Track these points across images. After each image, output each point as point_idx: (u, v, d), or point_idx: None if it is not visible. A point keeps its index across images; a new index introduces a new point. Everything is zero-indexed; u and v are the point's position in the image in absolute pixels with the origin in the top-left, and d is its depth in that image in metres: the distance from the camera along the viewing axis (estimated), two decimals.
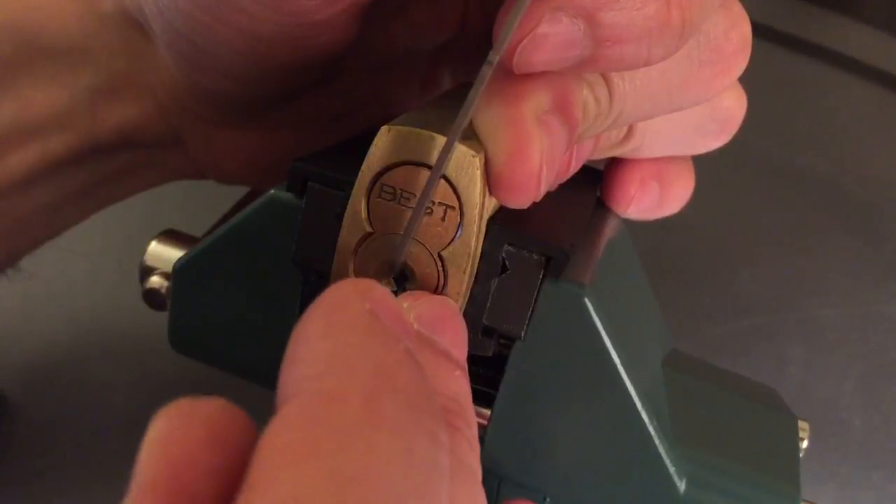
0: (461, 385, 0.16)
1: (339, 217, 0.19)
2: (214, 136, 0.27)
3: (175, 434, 0.12)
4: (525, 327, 0.19)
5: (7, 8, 0.24)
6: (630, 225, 0.27)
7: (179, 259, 0.22)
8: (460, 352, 0.17)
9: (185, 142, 0.27)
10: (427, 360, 0.16)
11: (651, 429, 0.20)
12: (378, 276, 0.19)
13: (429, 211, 0.18)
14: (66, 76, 0.25)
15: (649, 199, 0.26)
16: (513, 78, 0.18)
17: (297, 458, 0.11)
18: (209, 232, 0.24)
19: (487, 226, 0.18)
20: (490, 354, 0.20)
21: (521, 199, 0.18)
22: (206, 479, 0.12)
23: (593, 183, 0.26)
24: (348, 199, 0.18)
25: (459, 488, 0.13)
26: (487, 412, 0.20)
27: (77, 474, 0.32)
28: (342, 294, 0.14)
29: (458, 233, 0.18)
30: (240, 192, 0.29)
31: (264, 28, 0.21)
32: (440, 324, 0.17)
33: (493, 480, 0.22)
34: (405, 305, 0.17)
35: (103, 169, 0.27)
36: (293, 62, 0.23)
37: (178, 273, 0.22)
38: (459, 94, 0.18)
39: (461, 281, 0.18)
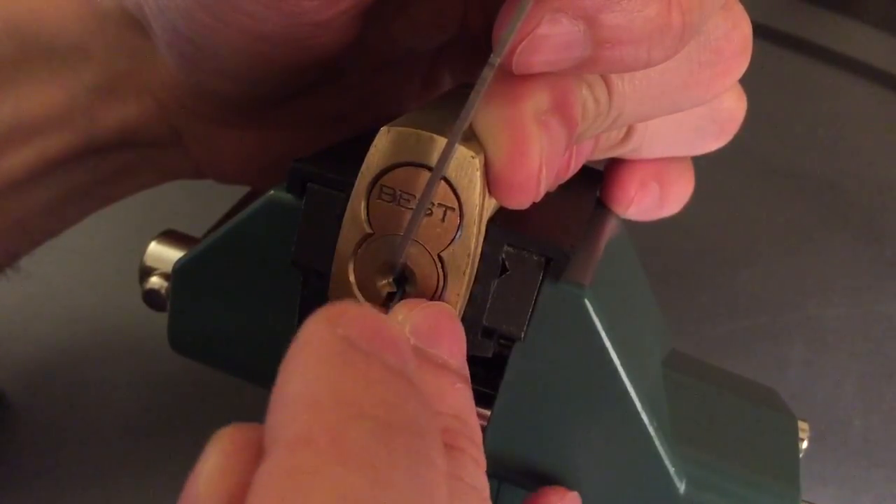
0: (463, 398, 0.16)
1: (339, 218, 0.19)
2: (214, 136, 0.27)
3: (232, 464, 0.13)
4: (525, 328, 0.19)
5: (7, 7, 0.24)
6: (630, 225, 0.27)
7: (179, 259, 0.22)
8: (460, 360, 0.17)
9: (185, 141, 0.27)
10: (426, 376, 0.16)
11: (651, 429, 0.20)
12: (378, 276, 0.19)
13: (428, 212, 0.18)
14: (65, 75, 0.25)
15: (649, 200, 0.26)
16: (512, 78, 0.18)
17: None
18: (209, 232, 0.24)
19: (487, 227, 0.18)
20: (490, 355, 0.20)
21: (521, 200, 0.18)
22: None
23: (593, 183, 0.26)
24: (348, 199, 0.18)
25: None
26: (487, 413, 0.20)
27: (77, 474, 0.32)
28: (311, 327, 0.14)
29: (458, 234, 0.18)
30: (240, 192, 0.29)
31: (265, 28, 0.21)
32: (437, 333, 0.17)
33: (493, 481, 0.22)
34: (400, 318, 0.17)
35: (103, 168, 0.27)
36: (293, 62, 0.23)
37: (178, 273, 0.22)
38: (459, 95, 0.18)
39: (461, 282, 0.18)
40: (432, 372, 0.16)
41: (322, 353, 0.13)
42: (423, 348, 0.16)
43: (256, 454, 0.13)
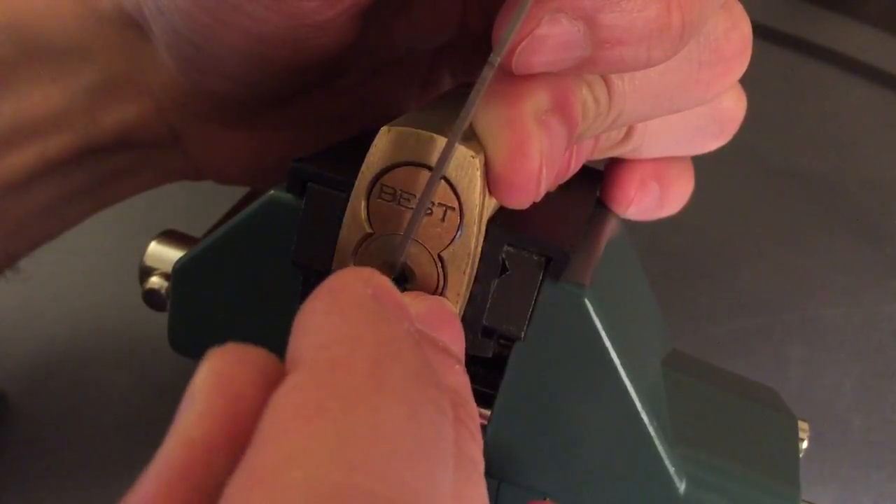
0: (462, 379, 0.16)
1: (339, 218, 0.19)
2: (213, 137, 0.27)
3: (231, 370, 0.13)
4: (525, 328, 0.19)
5: (6, 8, 0.24)
6: (630, 225, 0.27)
7: (179, 259, 0.22)
8: (459, 349, 0.17)
9: (184, 142, 0.27)
10: (427, 355, 0.16)
11: (651, 429, 0.20)
12: None
13: (429, 212, 0.18)
14: (64, 76, 0.25)
15: (649, 200, 0.26)
16: (512, 78, 0.18)
17: (302, 418, 0.11)
18: (209, 232, 0.24)
19: (487, 226, 0.18)
20: (490, 355, 0.20)
21: (521, 200, 0.18)
22: (256, 415, 0.12)
23: (593, 183, 0.26)
24: (348, 199, 0.18)
25: (463, 473, 0.14)
26: (487, 413, 0.20)
27: (77, 474, 0.32)
28: (346, 278, 0.14)
29: (458, 234, 0.18)
30: (240, 192, 0.29)
31: (264, 29, 0.21)
32: (438, 322, 0.17)
33: (493, 481, 0.22)
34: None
35: (102, 169, 0.27)
36: (293, 63, 0.23)
37: (178, 273, 0.22)
38: (459, 95, 0.18)
39: (461, 282, 0.18)
40: (433, 353, 0.16)
41: (357, 302, 0.14)
42: (427, 332, 0.16)
43: (258, 369, 0.13)
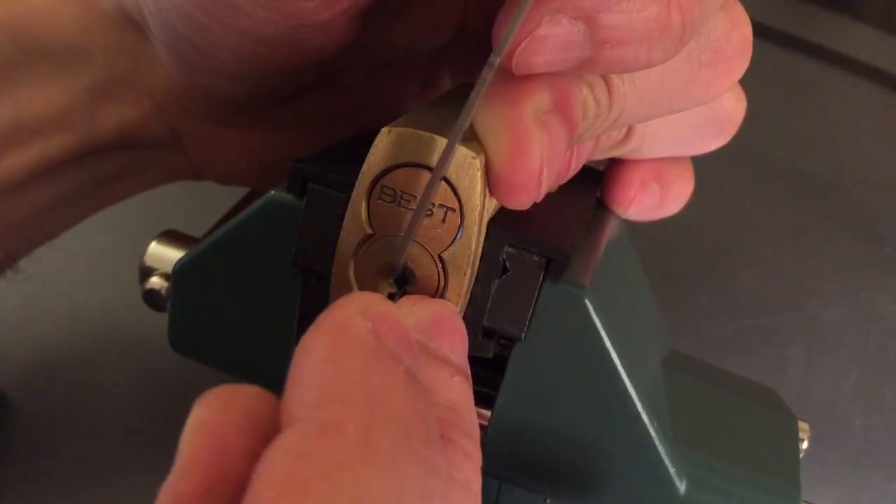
0: (461, 392, 0.16)
1: (340, 218, 0.19)
2: (213, 137, 0.27)
3: (215, 419, 0.13)
4: (525, 328, 0.19)
5: (6, 8, 0.24)
6: (630, 225, 0.27)
7: (179, 260, 0.22)
8: (460, 356, 0.17)
9: (184, 143, 0.27)
10: (425, 368, 0.16)
11: (651, 429, 0.20)
12: (378, 277, 0.19)
13: (429, 213, 0.18)
14: (64, 76, 0.25)
15: (649, 200, 0.26)
16: (512, 78, 0.18)
17: (289, 493, 0.11)
18: (209, 232, 0.24)
19: (488, 227, 0.18)
20: (490, 356, 0.20)
21: (522, 200, 0.18)
22: (243, 462, 0.12)
23: (593, 184, 0.26)
24: (349, 200, 0.18)
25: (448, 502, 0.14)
26: (488, 413, 0.20)
27: (77, 474, 0.32)
28: (345, 313, 0.14)
29: (459, 234, 0.18)
30: (240, 192, 0.29)
31: (263, 29, 0.21)
32: (438, 329, 0.17)
33: (493, 481, 0.22)
34: (403, 311, 0.17)
35: (102, 170, 0.27)
36: (292, 63, 0.23)
37: (178, 274, 0.22)
38: (459, 95, 0.18)
39: (461, 283, 0.18)
40: (432, 365, 0.16)
41: (355, 345, 0.13)
42: (425, 342, 0.16)
43: (249, 417, 0.13)
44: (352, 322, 0.14)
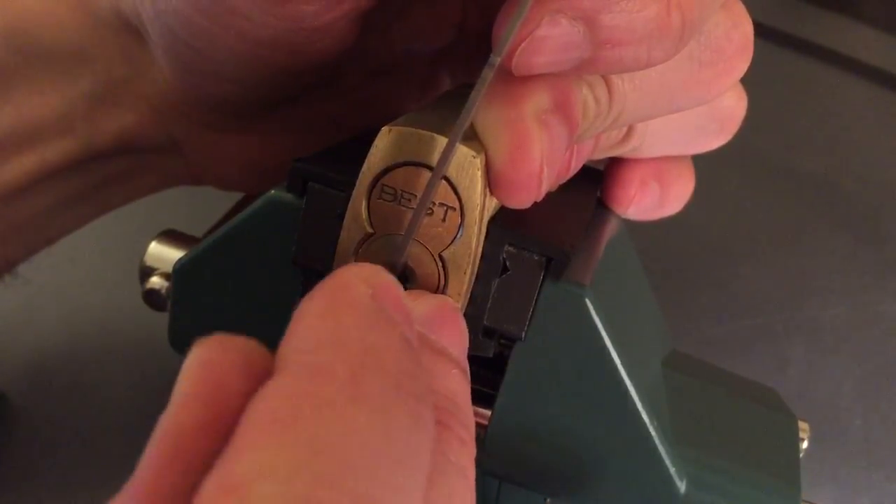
0: (459, 384, 0.16)
1: (340, 217, 0.19)
2: (212, 142, 0.27)
3: (215, 357, 0.13)
4: (525, 328, 0.19)
5: (6, 14, 0.24)
6: (630, 225, 0.27)
7: (179, 259, 0.22)
8: (460, 351, 0.17)
9: (183, 148, 0.27)
10: (424, 359, 0.16)
11: (651, 429, 0.20)
12: None
13: (429, 212, 0.18)
14: (64, 82, 0.25)
15: (650, 200, 0.26)
16: (513, 78, 0.18)
17: (277, 426, 0.12)
18: (209, 232, 0.24)
19: (488, 226, 0.18)
20: (491, 355, 0.20)
21: (522, 200, 0.18)
22: (239, 400, 0.13)
23: (594, 183, 0.26)
24: (349, 199, 0.18)
25: (441, 479, 0.14)
26: (488, 413, 0.20)
27: (77, 474, 0.32)
28: (346, 277, 0.14)
29: (459, 234, 0.18)
30: (240, 192, 0.29)
31: (263, 32, 0.21)
32: (439, 323, 0.17)
33: (493, 481, 0.22)
34: None
35: (101, 175, 0.27)
36: (292, 66, 0.23)
37: (179, 273, 0.22)
38: (459, 95, 0.18)
39: (462, 282, 0.18)
40: (431, 357, 0.16)
41: (352, 304, 0.14)
42: (425, 334, 0.16)
43: (243, 358, 0.13)
44: (351, 284, 0.14)
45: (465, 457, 0.15)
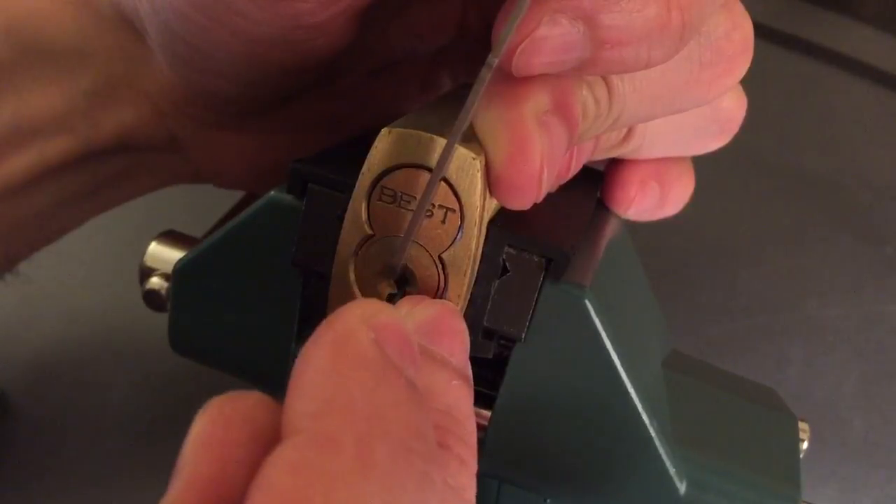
0: (459, 396, 0.16)
1: (340, 219, 0.19)
2: (212, 140, 0.27)
3: (217, 435, 0.13)
4: (525, 329, 0.19)
5: (6, 11, 0.24)
6: (630, 225, 0.27)
7: (179, 260, 0.22)
8: (461, 357, 0.17)
9: (183, 146, 0.27)
10: (424, 372, 0.16)
11: (651, 430, 0.20)
12: (378, 278, 0.19)
13: (429, 213, 0.18)
14: (64, 79, 0.25)
15: (650, 200, 0.26)
16: (512, 79, 0.18)
17: (287, 502, 0.11)
18: (209, 233, 0.24)
19: (488, 228, 0.18)
20: (490, 356, 0.20)
21: (522, 201, 0.18)
22: (244, 473, 0.12)
23: (594, 184, 0.26)
24: (349, 200, 0.18)
25: None
26: (488, 414, 0.20)
27: (77, 474, 0.32)
28: (348, 323, 0.14)
29: (459, 235, 0.18)
30: (239, 192, 0.29)
31: (260, 30, 0.21)
32: (438, 331, 0.17)
33: (493, 482, 0.22)
34: (403, 312, 0.17)
35: (101, 173, 0.27)
36: (290, 64, 0.23)
37: (178, 274, 0.22)
38: (459, 96, 0.18)
39: (462, 283, 0.18)
40: (430, 369, 0.16)
41: (356, 357, 0.13)
42: (425, 345, 0.16)
43: (251, 429, 0.13)
44: (354, 332, 0.14)
45: (463, 477, 0.15)
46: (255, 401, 0.13)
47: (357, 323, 0.14)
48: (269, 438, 0.13)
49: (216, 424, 0.13)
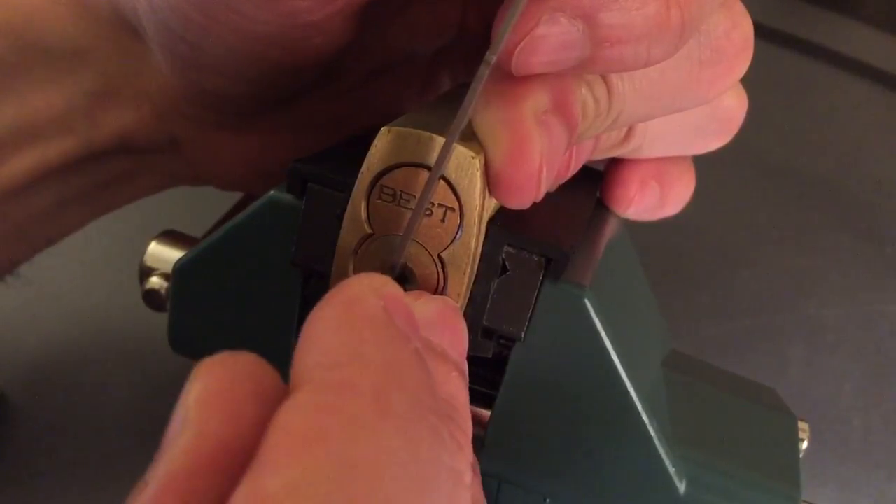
0: (457, 387, 0.16)
1: (339, 218, 0.19)
2: (212, 141, 0.27)
3: (224, 389, 0.13)
4: (525, 328, 0.19)
5: (6, 11, 0.24)
6: (630, 225, 0.27)
7: (179, 260, 0.22)
8: (460, 353, 0.17)
9: (184, 147, 0.27)
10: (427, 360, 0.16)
11: (651, 430, 0.20)
12: None
13: (428, 212, 0.18)
14: (64, 80, 0.25)
15: (650, 200, 0.26)
16: (511, 78, 0.18)
17: (306, 442, 0.11)
18: (209, 232, 0.24)
19: (487, 227, 0.18)
20: (490, 355, 0.20)
21: (522, 200, 0.18)
22: (254, 429, 0.12)
23: (593, 183, 0.26)
24: (348, 200, 0.18)
25: (454, 493, 0.14)
26: (487, 413, 0.20)
27: (77, 474, 0.32)
28: (359, 288, 0.14)
29: (458, 234, 0.18)
30: (239, 193, 0.29)
31: (258, 28, 0.21)
32: (439, 324, 0.17)
33: (493, 482, 0.22)
34: None
35: (102, 174, 0.27)
36: (289, 63, 0.23)
37: (178, 274, 0.22)
38: (459, 95, 0.18)
39: (461, 282, 0.18)
40: (431, 359, 0.16)
41: (368, 317, 0.14)
42: (427, 338, 0.16)
43: (255, 384, 0.13)
44: (364, 297, 0.14)
45: (463, 462, 0.15)
46: (253, 359, 0.13)
47: (367, 290, 0.14)
48: (273, 396, 0.13)
49: (222, 381, 0.13)
